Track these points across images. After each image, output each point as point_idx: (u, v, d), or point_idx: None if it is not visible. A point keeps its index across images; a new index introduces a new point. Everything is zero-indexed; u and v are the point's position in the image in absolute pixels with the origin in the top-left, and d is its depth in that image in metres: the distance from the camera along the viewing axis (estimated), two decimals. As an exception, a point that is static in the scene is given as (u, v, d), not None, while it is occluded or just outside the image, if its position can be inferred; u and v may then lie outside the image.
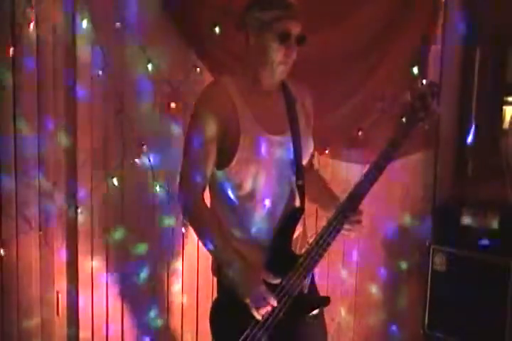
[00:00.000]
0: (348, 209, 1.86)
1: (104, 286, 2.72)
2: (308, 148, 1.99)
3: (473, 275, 2.82)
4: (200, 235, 1.90)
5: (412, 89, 1.87)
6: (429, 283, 2.97)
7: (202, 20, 2.58)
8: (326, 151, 2.87)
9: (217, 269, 1.93)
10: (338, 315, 3.15)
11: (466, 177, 3.09)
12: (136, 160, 2.65)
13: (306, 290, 1.92)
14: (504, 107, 3.09)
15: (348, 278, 3.12)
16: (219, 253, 1.87)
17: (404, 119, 1.86)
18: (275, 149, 1.88)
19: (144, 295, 2.78)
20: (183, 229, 2.76)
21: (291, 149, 1.91)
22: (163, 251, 2.80)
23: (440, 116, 3.05)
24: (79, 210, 2.62)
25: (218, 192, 1.93)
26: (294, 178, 1.92)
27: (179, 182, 1.92)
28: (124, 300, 2.77)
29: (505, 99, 3.07)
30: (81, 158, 2.60)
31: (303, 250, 1.92)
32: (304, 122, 1.98)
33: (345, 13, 2.78)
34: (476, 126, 3.06)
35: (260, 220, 1.90)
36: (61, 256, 2.64)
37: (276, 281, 1.82)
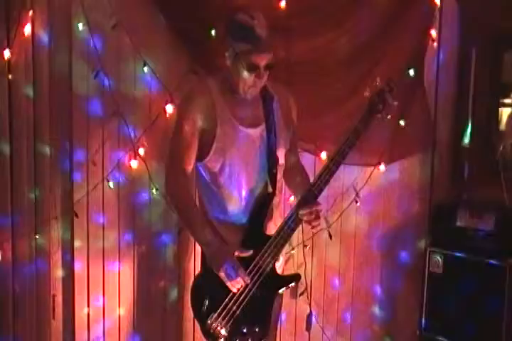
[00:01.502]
0: (308, 198, 2.08)
1: (101, 289, 2.71)
2: (284, 140, 2.20)
3: (470, 276, 2.83)
4: (181, 218, 2.18)
5: (371, 86, 2.13)
6: (425, 285, 2.97)
7: (198, 24, 2.58)
8: (323, 154, 2.86)
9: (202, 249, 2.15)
10: (335, 315, 3.15)
11: (462, 179, 3.09)
12: (133, 162, 2.64)
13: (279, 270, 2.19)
14: (500, 109, 3.09)
15: (344, 278, 3.12)
16: (196, 233, 2.11)
17: (364, 112, 2.09)
18: (249, 140, 2.13)
19: (141, 298, 2.78)
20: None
21: (265, 141, 2.14)
22: (159, 253, 2.79)
23: (436, 118, 3.07)
24: (75, 214, 2.61)
25: (200, 181, 2.21)
26: (267, 167, 2.15)
27: (166, 170, 2.17)
28: (121, 303, 2.76)
29: (501, 100, 3.08)
30: (77, 161, 2.59)
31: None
32: (281, 117, 2.20)
33: (342, 16, 2.79)
34: (472, 128, 3.06)
35: (236, 204, 2.16)
36: (57, 259, 2.63)
37: (247, 254, 2.05)
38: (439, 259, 2.91)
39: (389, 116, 2.14)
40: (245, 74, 2.03)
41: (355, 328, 3.18)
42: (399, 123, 2.91)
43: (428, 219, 3.08)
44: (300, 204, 2.08)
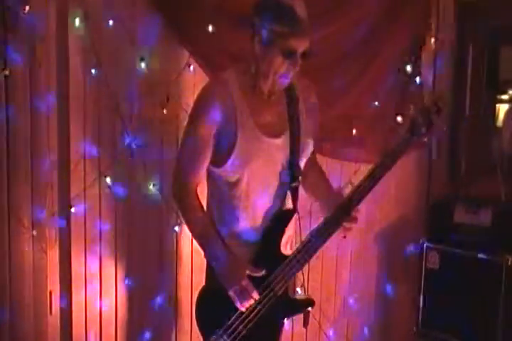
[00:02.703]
0: (339, 217, 1.90)
1: (98, 286, 2.71)
2: (308, 148, 2.00)
3: (466, 272, 2.84)
4: (191, 229, 1.98)
5: (416, 103, 1.93)
6: (422, 281, 2.99)
7: (195, 19, 2.57)
8: (322, 149, 2.86)
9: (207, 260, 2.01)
10: (332, 311, 3.15)
11: (459, 175, 3.10)
12: (130, 159, 2.63)
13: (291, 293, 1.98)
14: (497, 105, 3.11)
15: (342, 274, 3.13)
16: (207, 246, 1.94)
17: (405, 133, 1.88)
18: (271, 152, 1.91)
19: (138, 296, 2.78)
20: (177, 228, 2.75)
21: (288, 151, 1.92)
22: (158, 250, 2.79)
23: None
24: (72, 209, 2.60)
25: (214, 190, 1.99)
26: (288, 180, 1.94)
27: (173, 177, 2.00)
28: (118, 299, 2.76)
29: (498, 97, 3.09)
30: (74, 158, 2.58)
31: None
32: (306, 121, 1.98)
33: (338, 13, 2.78)
34: (469, 124, 3.07)
35: (251, 219, 1.94)
36: (54, 255, 2.62)
37: (259, 273, 1.87)
38: (436, 255, 2.92)
39: (426, 139, 1.92)
40: (279, 61, 1.79)
41: (352, 324, 3.19)
42: (396, 119, 2.91)
43: (425, 215, 3.09)
44: (327, 224, 1.89)
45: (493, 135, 3.10)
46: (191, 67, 2.65)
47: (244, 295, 1.85)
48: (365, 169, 2.94)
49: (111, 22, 2.51)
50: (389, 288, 3.18)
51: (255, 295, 1.85)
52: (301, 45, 1.79)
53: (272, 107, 1.93)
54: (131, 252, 2.74)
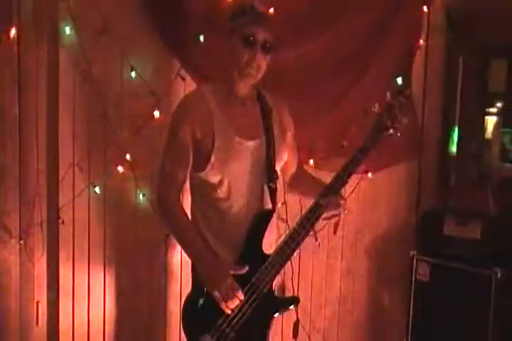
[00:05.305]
0: (320, 204, 1.95)
1: (86, 297, 2.68)
2: (282, 154, 2.11)
3: (456, 285, 2.84)
4: (174, 232, 2.07)
5: (380, 100, 1.97)
6: (412, 293, 2.98)
7: (186, 30, 2.57)
8: (310, 162, 2.86)
9: (192, 265, 2.06)
10: (322, 323, 3.14)
11: (449, 187, 3.11)
12: (119, 168, 2.62)
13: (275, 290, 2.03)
14: (486, 117, 3.12)
15: (332, 286, 3.12)
16: (190, 249, 2.01)
17: (373, 129, 1.97)
18: (248, 153, 2.02)
19: (127, 307, 2.75)
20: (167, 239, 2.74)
21: (264, 154, 2.04)
22: (147, 261, 2.77)
23: (423, 127, 3.09)
24: (60, 220, 2.58)
25: (197, 194, 2.09)
26: (265, 181, 2.05)
27: (158, 183, 2.09)
28: (106, 310, 2.73)
29: (487, 109, 3.11)
30: (63, 167, 2.57)
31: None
32: (278, 130, 2.10)
33: (331, 24, 2.80)
34: (459, 136, 3.09)
35: (233, 220, 2.02)
36: (41, 265, 2.61)
37: (243, 270, 1.93)
38: (426, 267, 2.92)
39: (398, 134, 2.00)
40: (240, 49, 1.93)
41: (342, 336, 3.18)
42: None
43: (415, 228, 3.09)
44: (304, 221, 1.95)
45: (483, 147, 3.12)
46: (181, 79, 2.64)
47: (229, 294, 1.87)
48: (353, 180, 2.98)
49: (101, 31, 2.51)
50: (379, 299, 3.18)
51: (240, 295, 1.89)
52: (259, 33, 1.94)
53: (247, 114, 2.06)
54: (120, 263, 2.72)
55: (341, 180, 1.95)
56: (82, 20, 2.50)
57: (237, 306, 1.91)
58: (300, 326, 2.92)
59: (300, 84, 2.77)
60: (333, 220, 2.04)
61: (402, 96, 1.98)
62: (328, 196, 1.94)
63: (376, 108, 1.97)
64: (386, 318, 3.19)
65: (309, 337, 3.06)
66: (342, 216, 2.03)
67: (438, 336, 2.92)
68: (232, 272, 1.92)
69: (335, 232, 2.16)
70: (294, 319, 2.90)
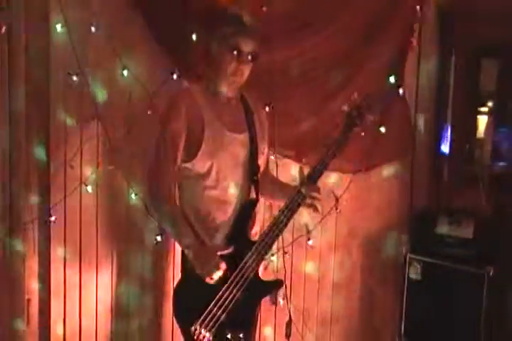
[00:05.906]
0: (301, 192, 2.11)
1: (77, 296, 2.67)
2: (263, 149, 2.29)
3: (449, 284, 2.84)
4: (164, 220, 2.19)
5: (350, 100, 2.20)
6: (405, 292, 2.98)
7: (178, 29, 2.57)
8: (303, 160, 2.86)
9: (181, 252, 2.17)
10: (314, 323, 3.14)
11: (441, 186, 3.12)
12: (111, 167, 2.61)
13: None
14: (478, 117, 3.13)
15: (324, 284, 3.11)
16: (179, 235, 2.12)
17: (343, 126, 2.18)
18: (235, 145, 2.17)
19: (118, 303, 2.74)
20: (159, 238, 2.72)
21: (248, 147, 2.20)
22: (140, 261, 2.76)
23: (416, 126, 3.10)
24: (52, 218, 2.57)
25: (186, 185, 2.20)
26: (250, 173, 2.20)
27: (148, 173, 2.19)
28: (98, 310, 2.72)
29: (479, 109, 3.12)
30: (54, 165, 2.56)
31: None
32: (259, 129, 2.27)
33: (323, 24, 2.80)
34: (452, 136, 3.09)
35: (221, 209, 2.16)
36: (33, 264, 2.59)
37: (229, 250, 2.06)
38: (418, 266, 2.92)
39: (362, 133, 2.22)
40: (227, 59, 2.09)
41: (335, 335, 3.17)
42: (379, 130, 2.92)
43: (408, 227, 3.10)
44: (289, 206, 2.11)
45: (475, 146, 3.13)
46: (174, 77, 2.64)
47: (216, 269, 1.99)
48: (346, 179, 2.98)
49: (93, 29, 2.50)
50: (371, 298, 3.18)
51: (222, 265, 2.00)
52: (247, 45, 2.09)
53: (233, 111, 2.22)
54: (112, 261, 2.71)
55: (318, 170, 2.13)
56: (73, 18, 2.49)
57: (227, 290, 2.05)
58: (293, 325, 2.93)
59: (292, 82, 2.78)
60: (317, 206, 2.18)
61: (370, 99, 2.21)
62: (308, 185, 2.11)
63: (346, 108, 2.19)
64: (378, 317, 3.19)
65: (302, 337, 3.06)
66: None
67: (430, 335, 2.93)
68: (218, 253, 2.04)
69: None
70: (287, 318, 2.90)
